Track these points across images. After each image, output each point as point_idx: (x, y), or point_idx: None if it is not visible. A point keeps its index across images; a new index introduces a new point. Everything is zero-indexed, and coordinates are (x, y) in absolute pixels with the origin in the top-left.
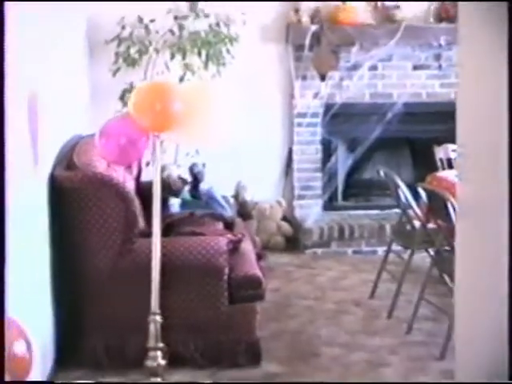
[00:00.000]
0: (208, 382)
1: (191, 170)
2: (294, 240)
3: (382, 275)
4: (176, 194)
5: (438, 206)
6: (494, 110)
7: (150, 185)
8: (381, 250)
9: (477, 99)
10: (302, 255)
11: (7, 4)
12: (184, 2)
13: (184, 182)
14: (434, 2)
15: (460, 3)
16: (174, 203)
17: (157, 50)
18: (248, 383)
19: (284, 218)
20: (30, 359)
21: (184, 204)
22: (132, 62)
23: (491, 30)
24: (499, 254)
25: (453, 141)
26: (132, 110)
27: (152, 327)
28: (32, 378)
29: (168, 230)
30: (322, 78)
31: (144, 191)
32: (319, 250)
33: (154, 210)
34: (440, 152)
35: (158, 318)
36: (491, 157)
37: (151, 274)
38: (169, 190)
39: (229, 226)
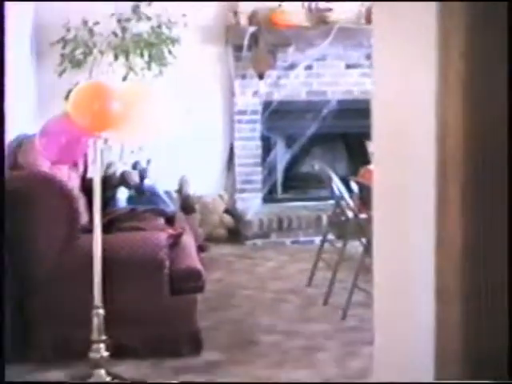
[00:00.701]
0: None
1: (134, 167)
2: (236, 232)
3: (319, 264)
4: (129, 186)
5: (368, 197)
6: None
7: None
8: (318, 240)
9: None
10: (243, 246)
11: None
12: (127, 4)
13: (141, 173)
14: (363, 4)
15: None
16: (121, 198)
17: (101, 52)
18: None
19: (226, 211)
20: None
21: (130, 199)
22: (77, 63)
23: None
24: (414, 246)
25: None
26: (70, 109)
27: (95, 320)
28: None
29: (110, 225)
30: (261, 76)
31: (90, 188)
32: (259, 241)
33: (95, 207)
34: (372, 146)
35: (101, 311)
36: (402, 144)
37: (93, 268)
38: (125, 183)
39: (170, 220)
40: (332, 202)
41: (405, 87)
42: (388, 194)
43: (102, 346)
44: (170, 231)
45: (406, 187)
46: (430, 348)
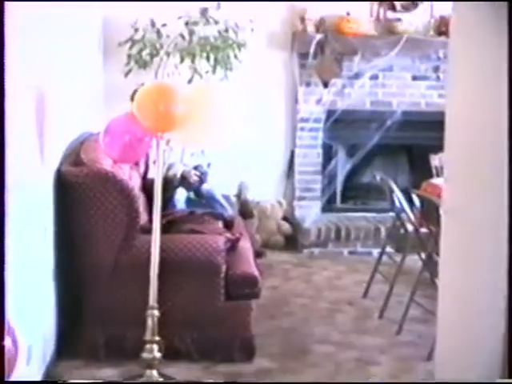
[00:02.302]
0: (211, 381)
1: (196, 169)
2: (293, 239)
3: (376, 276)
4: (189, 187)
5: (430, 212)
6: (481, 116)
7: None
8: (376, 252)
9: (467, 106)
10: (300, 254)
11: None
12: (195, 7)
13: (201, 177)
14: (433, 15)
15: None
16: (180, 199)
17: (167, 53)
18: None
19: (284, 218)
20: (15, 355)
21: (188, 201)
22: (143, 64)
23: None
24: (483, 256)
25: None
26: (135, 109)
27: (149, 321)
28: (31, 366)
29: (169, 227)
30: (325, 85)
31: (151, 188)
32: (316, 250)
33: (155, 208)
34: (435, 160)
35: (156, 312)
36: (477, 161)
37: (150, 269)
38: (184, 184)
39: (228, 225)
40: (392, 214)
41: (479, 99)
42: (458, 210)
43: (154, 346)
44: (228, 235)
45: (478, 204)
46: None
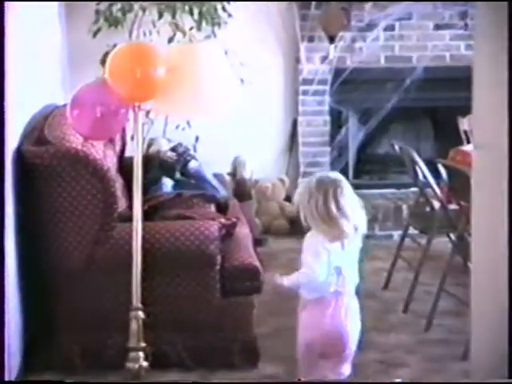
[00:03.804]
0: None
1: (174, 151)
2: (299, 223)
3: (398, 263)
4: (169, 172)
5: (460, 185)
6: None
7: None
8: (397, 235)
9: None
10: None
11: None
12: None
13: (179, 157)
14: None
15: None
16: (167, 183)
17: (143, 8)
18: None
19: (287, 199)
20: None
21: (176, 184)
22: (115, 22)
23: None
24: None
25: None
26: (108, 76)
27: (133, 325)
28: None
29: (152, 213)
30: (331, 39)
31: (130, 169)
32: None
33: (135, 192)
34: (465, 123)
35: (140, 314)
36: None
37: (132, 263)
38: (162, 167)
39: (222, 208)
40: (414, 189)
41: None
42: (489, 182)
43: (140, 354)
44: (223, 221)
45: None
46: None
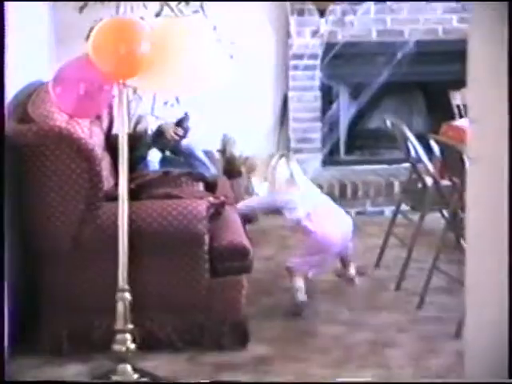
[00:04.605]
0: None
1: (180, 124)
2: None
3: (390, 240)
4: (164, 146)
5: (453, 161)
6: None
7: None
8: (388, 211)
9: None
10: None
11: None
12: None
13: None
14: None
15: None
16: (154, 160)
17: None
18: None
19: None
20: None
21: (164, 161)
22: None
23: None
24: None
25: None
26: (91, 52)
27: (120, 306)
28: None
29: (139, 192)
30: (322, 12)
31: (117, 146)
32: None
33: (121, 170)
34: (457, 97)
35: (127, 295)
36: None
37: (118, 244)
38: (158, 143)
39: (211, 186)
40: (406, 165)
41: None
42: (485, 157)
43: (127, 336)
44: (211, 199)
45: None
46: None
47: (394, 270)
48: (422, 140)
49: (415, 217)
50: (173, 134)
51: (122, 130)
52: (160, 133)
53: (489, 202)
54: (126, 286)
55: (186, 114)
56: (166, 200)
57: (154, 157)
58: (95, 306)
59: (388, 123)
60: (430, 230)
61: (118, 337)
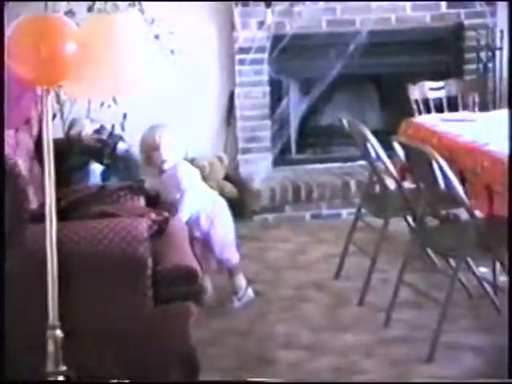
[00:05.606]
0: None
1: (99, 133)
2: (240, 204)
3: (350, 247)
4: (96, 158)
5: (419, 166)
6: None
7: (58, 144)
8: (346, 213)
9: None
10: (250, 223)
11: None
12: None
13: (104, 141)
14: None
15: None
16: (95, 168)
17: None
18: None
19: (226, 178)
20: None
21: (106, 170)
22: None
23: None
24: None
25: (431, 77)
26: (7, 56)
27: (51, 345)
28: None
29: (71, 210)
30: (268, 3)
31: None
32: (270, 217)
33: (46, 186)
34: (415, 91)
35: (59, 332)
36: None
37: (47, 272)
38: (85, 153)
39: (153, 199)
40: (362, 162)
41: None
42: None
43: (61, 379)
44: (153, 216)
45: None
46: None
47: (355, 282)
48: (377, 136)
49: (374, 220)
50: (93, 142)
51: (46, 142)
52: (86, 147)
53: None
54: (57, 323)
55: (100, 126)
56: (101, 220)
57: (95, 165)
58: (22, 345)
59: (345, 123)
60: (391, 235)
61: (51, 380)
